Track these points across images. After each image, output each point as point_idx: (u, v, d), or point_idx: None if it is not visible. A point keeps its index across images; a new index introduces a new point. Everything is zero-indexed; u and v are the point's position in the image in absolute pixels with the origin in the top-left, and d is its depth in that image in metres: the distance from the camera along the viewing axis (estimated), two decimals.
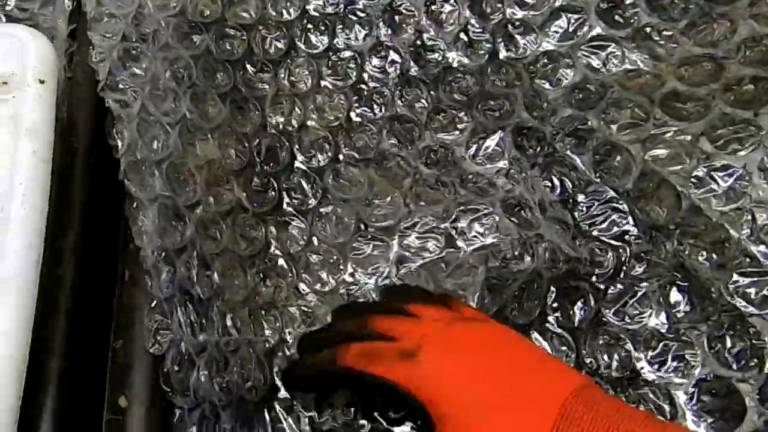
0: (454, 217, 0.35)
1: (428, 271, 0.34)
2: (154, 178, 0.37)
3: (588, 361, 0.32)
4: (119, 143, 0.38)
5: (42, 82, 0.34)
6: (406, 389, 0.26)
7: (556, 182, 0.35)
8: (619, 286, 0.33)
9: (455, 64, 0.40)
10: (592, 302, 0.33)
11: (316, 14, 0.41)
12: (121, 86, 0.39)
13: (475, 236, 0.35)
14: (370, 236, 0.36)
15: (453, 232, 0.35)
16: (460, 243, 0.34)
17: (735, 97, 0.35)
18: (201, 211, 0.36)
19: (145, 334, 0.34)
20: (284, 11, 0.41)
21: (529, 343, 0.30)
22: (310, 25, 0.41)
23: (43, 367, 0.32)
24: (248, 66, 0.41)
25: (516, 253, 0.34)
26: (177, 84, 0.39)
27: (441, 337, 0.27)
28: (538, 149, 0.36)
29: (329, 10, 0.41)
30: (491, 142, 0.37)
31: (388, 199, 0.37)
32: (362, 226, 0.36)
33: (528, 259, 0.33)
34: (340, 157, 0.38)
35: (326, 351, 0.29)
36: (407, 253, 0.35)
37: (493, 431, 0.24)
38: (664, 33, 0.38)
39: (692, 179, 0.33)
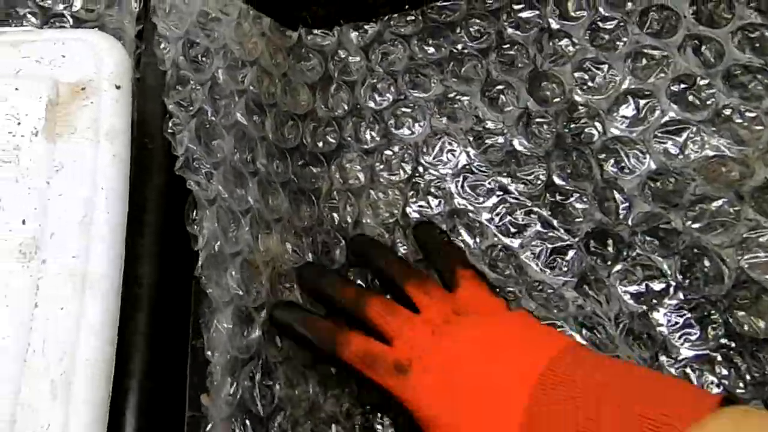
0: None
1: None
2: (227, 274, 0.35)
3: None
4: (199, 236, 0.35)
5: (118, 87, 0.34)
6: (399, 399, 0.28)
7: (638, 290, 0.32)
8: None
9: (519, 148, 0.38)
10: None
11: (368, 108, 0.40)
12: (196, 165, 0.36)
13: None
14: None
15: None
16: None
17: None
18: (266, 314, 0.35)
19: None
20: (334, 106, 0.40)
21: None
22: (360, 120, 0.40)
23: (126, 364, 0.33)
24: (302, 157, 0.40)
25: None
26: (244, 166, 0.37)
27: (431, 352, 0.28)
28: (616, 254, 0.33)
29: (383, 105, 0.40)
30: (559, 252, 0.35)
31: None
32: None
33: None
34: None
35: (326, 335, 0.31)
36: None
37: None
38: (747, 114, 0.35)
39: None
